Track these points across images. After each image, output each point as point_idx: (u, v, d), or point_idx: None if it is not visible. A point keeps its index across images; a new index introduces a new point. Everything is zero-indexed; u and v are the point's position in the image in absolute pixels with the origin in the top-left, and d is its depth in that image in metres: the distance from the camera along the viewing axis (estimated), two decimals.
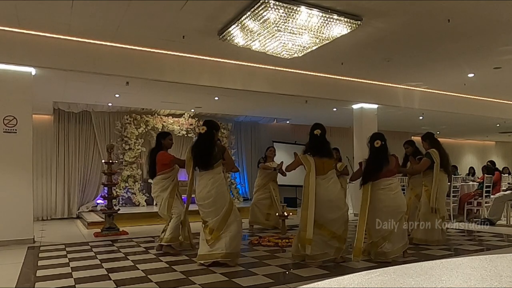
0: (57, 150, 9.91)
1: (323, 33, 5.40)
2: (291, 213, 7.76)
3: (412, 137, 15.26)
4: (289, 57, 6.08)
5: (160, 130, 10.67)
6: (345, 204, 4.70)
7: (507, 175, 10.83)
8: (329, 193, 4.47)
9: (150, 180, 9.52)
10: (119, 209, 7.66)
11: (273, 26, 5.03)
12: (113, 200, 7.52)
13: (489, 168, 9.23)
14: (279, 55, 5.97)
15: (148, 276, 4.13)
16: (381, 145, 4.75)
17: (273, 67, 7.79)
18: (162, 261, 4.83)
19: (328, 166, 4.58)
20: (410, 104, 9.68)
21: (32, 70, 6.30)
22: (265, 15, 4.85)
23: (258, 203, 7.55)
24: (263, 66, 7.68)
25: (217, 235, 4.45)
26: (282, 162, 7.23)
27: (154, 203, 7.10)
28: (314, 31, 5.32)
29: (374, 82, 9.08)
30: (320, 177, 4.48)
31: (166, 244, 5.23)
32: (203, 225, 4.61)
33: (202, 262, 4.49)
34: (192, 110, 10.97)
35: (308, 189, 4.44)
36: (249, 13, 4.92)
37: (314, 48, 5.83)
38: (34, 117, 6.78)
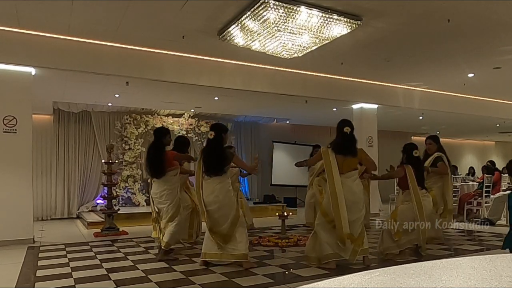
0: (57, 150, 9.90)
1: (323, 33, 5.40)
2: (291, 213, 7.76)
3: (412, 137, 15.38)
4: (289, 57, 6.08)
5: None
6: (363, 206, 4.55)
7: (507, 175, 10.82)
8: (353, 193, 4.33)
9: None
10: (119, 209, 7.66)
11: (273, 26, 5.03)
12: (113, 200, 7.53)
13: (489, 168, 9.23)
14: (279, 55, 5.97)
15: (148, 276, 4.13)
16: (418, 155, 5.18)
17: (273, 67, 7.79)
18: (162, 261, 4.83)
19: (350, 165, 4.43)
20: (410, 104, 9.68)
21: (32, 70, 6.30)
22: (265, 15, 4.85)
23: (311, 202, 7.79)
24: (263, 66, 7.68)
25: (228, 240, 4.41)
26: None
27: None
28: (314, 31, 5.32)
29: (374, 82, 9.08)
30: (341, 175, 4.32)
31: (165, 249, 4.96)
32: (211, 232, 4.47)
33: (208, 260, 4.46)
34: (192, 110, 10.97)
35: (334, 186, 4.25)
36: (249, 13, 4.91)
37: (314, 48, 5.83)
38: (34, 117, 6.78)
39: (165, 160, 5.04)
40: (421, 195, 4.88)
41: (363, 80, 8.92)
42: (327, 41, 5.66)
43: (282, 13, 4.79)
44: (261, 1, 4.63)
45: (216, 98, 9.19)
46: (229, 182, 4.60)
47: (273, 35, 5.31)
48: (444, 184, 5.82)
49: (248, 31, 5.35)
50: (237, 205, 4.60)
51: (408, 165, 4.99)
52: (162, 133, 5.30)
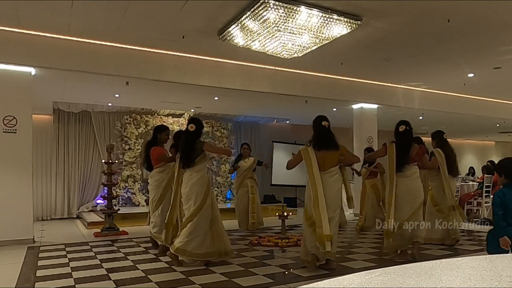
0: (57, 150, 9.91)
1: (323, 33, 5.40)
2: (291, 213, 7.76)
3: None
4: (289, 57, 6.08)
5: None
6: (339, 206, 4.48)
7: None
8: (331, 189, 4.23)
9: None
10: (119, 209, 7.66)
11: (273, 26, 5.03)
12: (113, 200, 7.52)
13: (489, 168, 9.22)
14: (279, 55, 5.97)
15: (148, 276, 4.13)
16: (405, 129, 4.80)
17: (273, 67, 7.79)
18: (162, 261, 4.83)
19: (331, 161, 4.30)
20: (410, 104, 9.68)
21: (32, 70, 6.30)
22: (265, 15, 4.85)
23: None
24: (263, 66, 7.68)
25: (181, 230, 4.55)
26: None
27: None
28: (314, 31, 5.32)
29: (374, 82, 9.08)
30: (322, 172, 4.23)
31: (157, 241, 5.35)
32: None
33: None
34: (192, 110, 10.97)
35: (315, 184, 4.17)
36: (249, 13, 4.91)
37: (314, 48, 5.83)
38: (34, 117, 6.78)
39: (151, 156, 5.34)
40: (398, 177, 4.70)
41: (363, 80, 8.92)
42: (327, 41, 5.67)
43: (282, 13, 4.79)
44: (261, 1, 4.63)
45: (216, 98, 9.19)
46: (198, 174, 4.55)
47: (273, 35, 5.31)
48: (440, 183, 5.68)
49: (248, 31, 5.35)
50: (203, 203, 4.46)
51: (392, 143, 4.81)
52: (158, 130, 5.55)
